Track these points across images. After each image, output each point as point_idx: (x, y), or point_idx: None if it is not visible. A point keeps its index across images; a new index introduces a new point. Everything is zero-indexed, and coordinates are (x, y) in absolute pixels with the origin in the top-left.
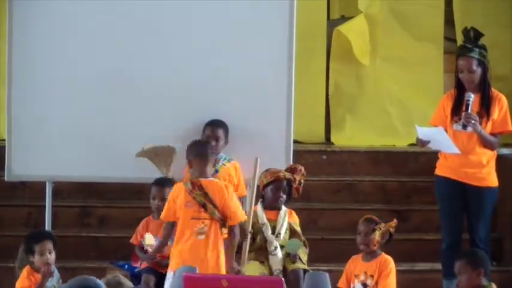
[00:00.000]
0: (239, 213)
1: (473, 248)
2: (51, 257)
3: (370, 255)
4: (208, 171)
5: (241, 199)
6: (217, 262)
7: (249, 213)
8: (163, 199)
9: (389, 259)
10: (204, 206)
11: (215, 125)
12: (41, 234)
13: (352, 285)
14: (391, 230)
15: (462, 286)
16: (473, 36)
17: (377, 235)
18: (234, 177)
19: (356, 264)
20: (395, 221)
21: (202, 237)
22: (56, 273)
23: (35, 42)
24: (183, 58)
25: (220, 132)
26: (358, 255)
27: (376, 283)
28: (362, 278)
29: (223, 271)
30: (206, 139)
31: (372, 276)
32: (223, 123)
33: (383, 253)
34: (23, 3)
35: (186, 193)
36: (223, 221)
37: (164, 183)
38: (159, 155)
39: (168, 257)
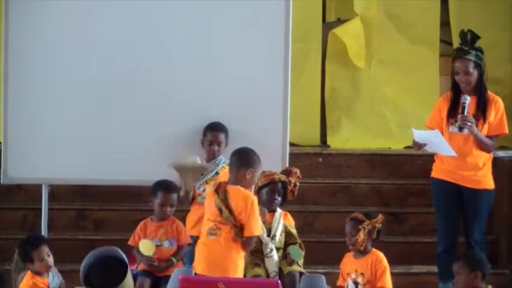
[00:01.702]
0: (254, 227)
1: (471, 250)
2: (50, 259)
3: (361, 252)
4: (234, 179)
5: None
6: (226, 265)
7: None
8: (173, 205)
9: (381, 256)
10: (220, 210)
11: (217, 130)
12: (36, 240)
13: (346, 284)
14: (378, 226)
15: (458, 287)
16: (470, 39)
17: (361, 235)
18: None
19: (348, 262)
20: (380, 216)
21: (213, 237)
22: (59, 277)
23: (31, 43)
24: (179, 61)
25: (222, 137)
26: (351, 253)
27: (368, 281)
28: (353, 276)
29: (231, 275)
30: (208, 143)
31: (362, 274)
32: (224, 127)
33: (374, 249)
34: (19, 3)
35: (210, 195)
36: (237, 228)
37: (172, 188)
38: (193, 172)
39: (166, 260)
